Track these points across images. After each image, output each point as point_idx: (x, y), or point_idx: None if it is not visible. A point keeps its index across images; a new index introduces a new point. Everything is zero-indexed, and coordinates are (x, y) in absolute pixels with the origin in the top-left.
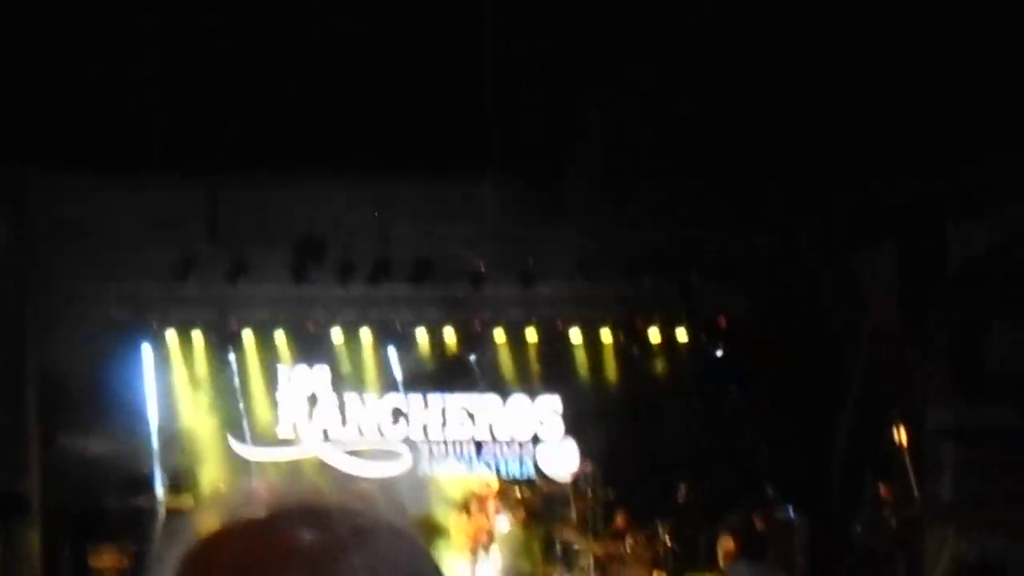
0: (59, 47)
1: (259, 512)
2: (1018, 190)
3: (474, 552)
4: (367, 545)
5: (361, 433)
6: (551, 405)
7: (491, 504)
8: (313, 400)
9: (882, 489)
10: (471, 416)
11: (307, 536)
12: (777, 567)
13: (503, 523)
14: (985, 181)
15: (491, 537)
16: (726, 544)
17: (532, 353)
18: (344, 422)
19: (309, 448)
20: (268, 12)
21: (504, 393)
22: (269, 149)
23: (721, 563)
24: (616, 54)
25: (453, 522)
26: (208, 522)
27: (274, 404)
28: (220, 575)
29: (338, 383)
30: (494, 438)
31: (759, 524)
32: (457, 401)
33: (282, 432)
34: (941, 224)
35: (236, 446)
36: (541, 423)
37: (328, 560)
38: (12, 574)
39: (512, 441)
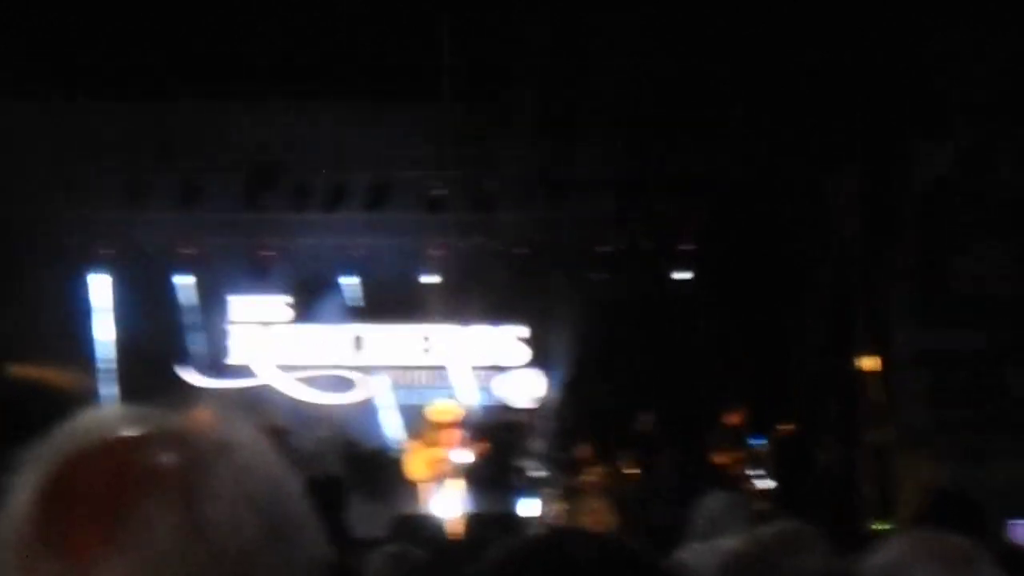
0: None
1: (115, 435)
2: (984, 111)
3: (433, 482)
4: (230, 459)
5: (317, 362)
6: (513, 333)
7: (451, 434)
8: (267, 328)
9: (849, 416)
10: (431, 344)
11: (168, 457)
12: (747, 497)
13: (464, 453)
14: (952, 101)
15: (451, 467)
16: None
17: (493, 279)
18: (299, 351)
19: (262, 377)
20: None
21: (465, 321)
22: (221, 73)
23: None
24: None
25: (413, 451)
26: (69, 445)
27: (225, 332)
28: (81, 498)
29: (293, 310)
30: (455, 367)
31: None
32: (416, 329)
33: (234, 360)
34: (908, 144)
35: (187, 375)
36: (503, 351)
37: (194, 477)
38: None
39: (473, 369)
